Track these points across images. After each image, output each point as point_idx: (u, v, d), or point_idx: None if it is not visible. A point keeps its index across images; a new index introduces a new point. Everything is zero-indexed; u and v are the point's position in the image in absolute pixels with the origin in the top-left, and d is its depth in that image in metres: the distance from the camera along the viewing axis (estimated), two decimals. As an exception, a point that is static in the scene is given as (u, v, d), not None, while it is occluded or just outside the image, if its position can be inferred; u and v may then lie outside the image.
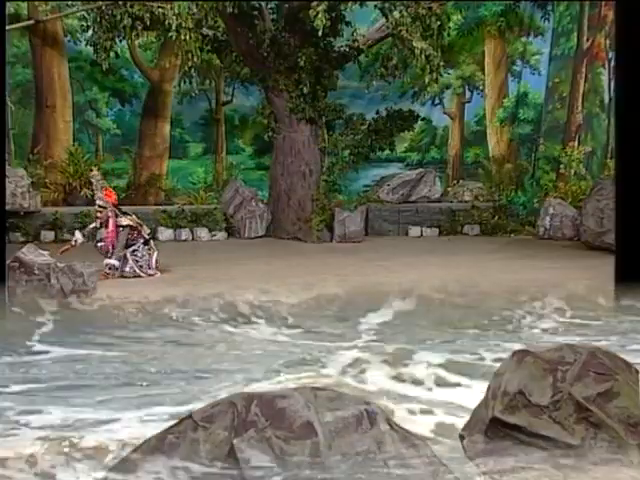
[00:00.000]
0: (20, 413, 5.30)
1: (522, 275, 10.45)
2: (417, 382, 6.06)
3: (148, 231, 10.94)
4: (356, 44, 14.47)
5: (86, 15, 13.26)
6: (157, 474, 3.41)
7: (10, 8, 14.71)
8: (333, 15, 13.12)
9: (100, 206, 10.50)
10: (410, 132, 16.42)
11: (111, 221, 10.40)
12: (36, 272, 8.91)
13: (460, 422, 4.37)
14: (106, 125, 16.97)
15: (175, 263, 11.16)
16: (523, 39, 17.42)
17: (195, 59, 12.49)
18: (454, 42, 17.15)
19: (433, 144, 18.25)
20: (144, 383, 6.06)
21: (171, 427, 3.61)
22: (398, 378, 6.10)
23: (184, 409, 4.85)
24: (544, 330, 7.87)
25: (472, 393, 5.17)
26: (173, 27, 11.94)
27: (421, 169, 16.94)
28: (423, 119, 16.65)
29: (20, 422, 5.15)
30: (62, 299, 8.86)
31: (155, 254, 10.64)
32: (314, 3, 11.93)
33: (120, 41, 13.42)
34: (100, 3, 12.73)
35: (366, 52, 15.26)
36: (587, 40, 16.29)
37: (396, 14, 12.55)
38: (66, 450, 4.41)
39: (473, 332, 7.90)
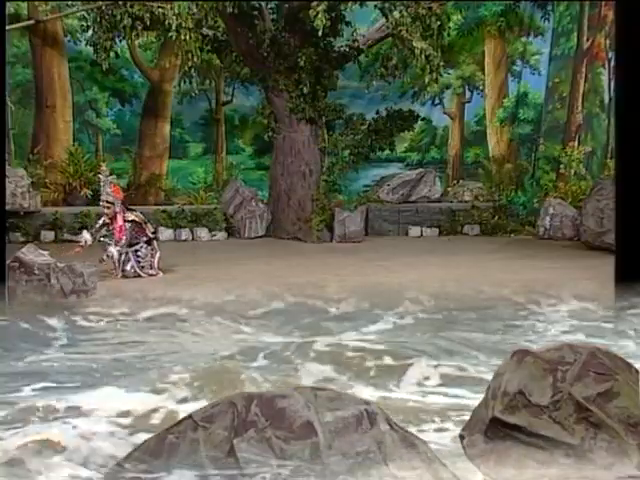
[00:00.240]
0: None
1: (522, 275, 10.45)
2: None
3: (152, 229, 10.94)
4: (356, 44, 14.47)
5: (86, 15, 13.26)
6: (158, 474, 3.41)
7: (10, 8, 14.70)
8: (333, 15, 13.12)
9: (108, 202, 10.48)
10: (410, 132, 16.42)
11: (119, 216, 10.41)
12: (36, 272, 8.91)
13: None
14: (106, 125, 16.97)
15: (175, 263, 11.16)
16: (523, 39, 17.41)
17: (195, 59, 12.48)
18: (454, 42, 17.14)
19: (433, 144, 18.24)
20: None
21: (171, 427, 3.61)
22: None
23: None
24: (544, 330, 7.86)
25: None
26: (173, 27, 11.93)
27: (421, 169, 16.93)
28: (423, 119, 16.64)
29: None
30: (62, 299, 8.87)
31: (158, 254, 10.64)
32: (314, 3, 11.93)
33: (120, 41, 13.42)
34: (100, 3, 12.73)
35: (366, 52, 15.25)
36: (587, 40, 16.28)
37: (396, 14, 12.55)
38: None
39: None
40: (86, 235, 10.39)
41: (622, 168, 9.21)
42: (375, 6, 13.65)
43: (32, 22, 15.62)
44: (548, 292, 9.34)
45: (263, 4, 14.16)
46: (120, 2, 12.28)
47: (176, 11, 11.91)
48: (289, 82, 14.05)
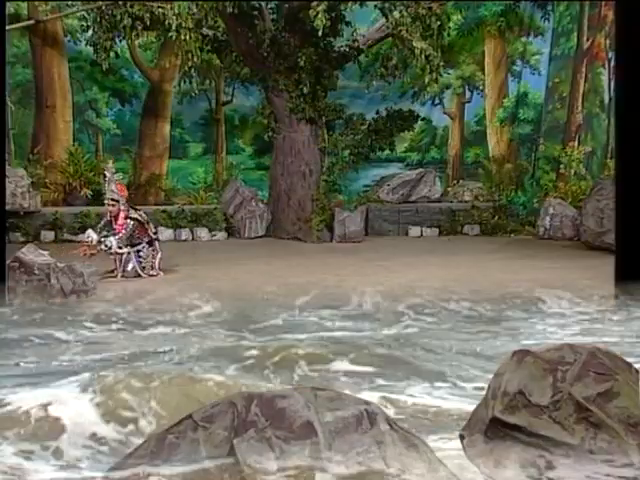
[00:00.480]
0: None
1: (522, 275, 10.45)
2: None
3: (154, 230, 10.94)
4: (356, 44, 14.47)
5: (86, 15, 13.27)
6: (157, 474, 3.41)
7: (10, 8, 14.71)
8: (333, 15, 13.12)
9: (113, 199, 10.48)
10: (410, 132, 16.42)
11: (122, 214, 10.41)
12: (36, 272, 8.91)
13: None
14: (106, 125, 16.97)
15: (175, 263, 11.17)
16: (523, 39, 17.42)
17: (195, 59, 12.49)
18: (454, 42, 17.15)
19: (433, 144, 18.26)
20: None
21: (171, 427, 3.61)
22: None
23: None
24: (544, 330, 7.85)
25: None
26: (173, 27, 11.94)
27: (421, 169, 16.94)
28: (423, 119, 16.65)
29: None
30: (62, 299, 8.87)
31: (159, 255, 10.65)
32: (314, 3, 11.93)
33: (120, 41, 13.43)
34: (100, 3, 12.74)
35: (366, 52, 15.26)
36: (587, 40, 16.29)
37: (396, 14, 12.55)
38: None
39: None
40: (92, 234, 10.37)
41: (622, 168, 9.21)
42: (375, 6, 13.65)
43: (32, 22, 15.63)
44: (548, 292, 9.34)
45: (263, 4, 14.16)
46: (120, 2, 12.29)
47: (176, 11, 11.92)
48: (289, 82, 14.06)
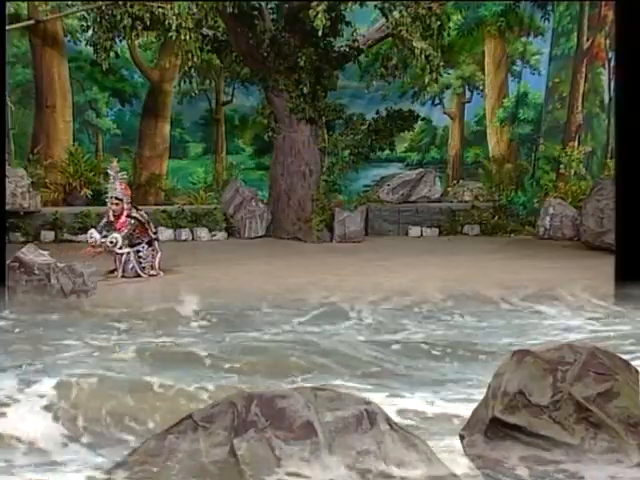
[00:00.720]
0: None
1: (522, 275, 10.46)
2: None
3: (154, 230, 10.94)
4: (356, 44, 14.47)
5: (86, 15, 13.27)
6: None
7: (10, 8, 14.69)
8: (333, 15, 13.12)
9: (117, 198, 10.47)
10: (410, 132, 16.41)
11: (125, 212, 10.42)
12: (36, 272, 8.91)
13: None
14: (106, 125, 16.96)
15: (175, 263, 11.17)
16: (523, 39, 17.40)
17: (195, 59, 12.49)
18: (454, 42, 17.13)
19: (433, 144, 18.24)
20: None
21: (171, 427, 3.61)
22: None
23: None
24: (544, 330, 7.85)
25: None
26: (173, 27, 11.94)
27: (421, 169, 16.93)
28: (423, 119, 16.64)
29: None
30: (62, 299, 8.87)
31: (159, 255, 10.65)
32: (314, 3, 11.94)
33: (120, 41, 13.44)
34: (100, 3, 12.74)
35: (366, 52, 15.25)
36: (587, 40, 16.28)
37: (396, 14, 12.56)
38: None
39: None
40: (95, 234, 10.36)
41: (622, 168, 9.21)
42: (375, 6, 13.66)
43: (32, 22, 15.61)
44: (548, 292, 9.34)
45: (263, 4, 14.16)
46: (120, 2, 12.29)
47: (176, 11, 11.92)
48: (289, 82, 14.06)
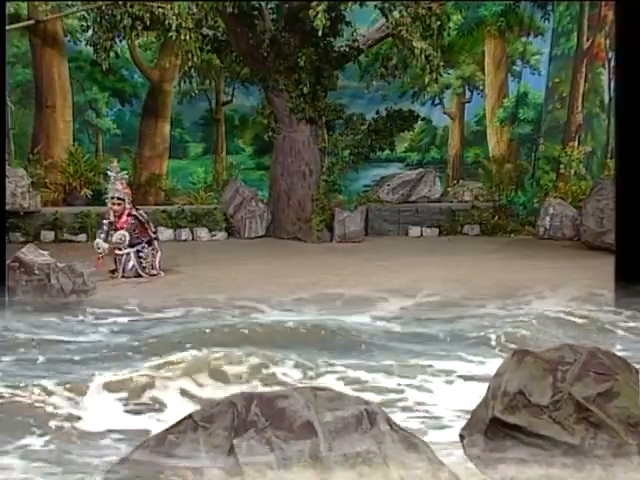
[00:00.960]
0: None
1: (522, 275, 10.46)
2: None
3: (154, 229, 10.95)
4: (356, 44, 14.47)
5: (86, 15, 13.27)
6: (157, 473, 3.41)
7: (10, 8, 14.69)
8: (333, 15, 13.13)
9: (119, 198, 10.47)
10: (410, 132, 16.42)
11: (126, 212, 10.42)
12: (36, 272, 8.91)
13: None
14: (106, 125, 16.96)
15: (175, 263, 11.17)
16: (523, 39, 17.41)
17: (195, 59, 12.50)
18: (454, 42, 17.13)
19: (433, 144, 18.24)
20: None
21: (171, 427, 3.61)
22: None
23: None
24: (543, 330, 7.85)
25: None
26: (173, 27, 11.95)
27: (421, 169, 16.93)
28: (423, 119, 16.65)
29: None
30: (62, 299, 8.88)
31: (159, 254, 10.66)
32: (314, 3, 11.94)
33: (120, 41, 13.45)
34: (100, 3, 12.75)
35: (366, 52, 15.26)
36: (587, 40, 16.28)
37: (396, 14, 12.56)
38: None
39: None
40: (102, 244, 10.36)
41: (622, 168, 9.21)
42: (375, 6, 13.66)
43: (32, 22, 15.62)
44: (548, 292, 9.34)
45: (263, 4, 14.17)
46: (120, 2, 12.29)
47: (176, 11, 11.93)
48: (289, 82, 14.06)
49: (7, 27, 11.98)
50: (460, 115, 18.14)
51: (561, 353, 3.90)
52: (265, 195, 15.49)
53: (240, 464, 3.33)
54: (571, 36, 16.53)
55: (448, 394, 5.77)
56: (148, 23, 12.30)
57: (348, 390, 5.35)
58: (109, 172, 10.71)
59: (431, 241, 14.73)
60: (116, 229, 10.43)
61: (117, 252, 10.39)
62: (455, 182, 17.54)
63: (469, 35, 17.60)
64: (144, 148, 17.10)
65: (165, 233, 14.19)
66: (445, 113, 18.16)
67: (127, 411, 5.43)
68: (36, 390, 5.46)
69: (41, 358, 6.53)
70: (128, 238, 10.28)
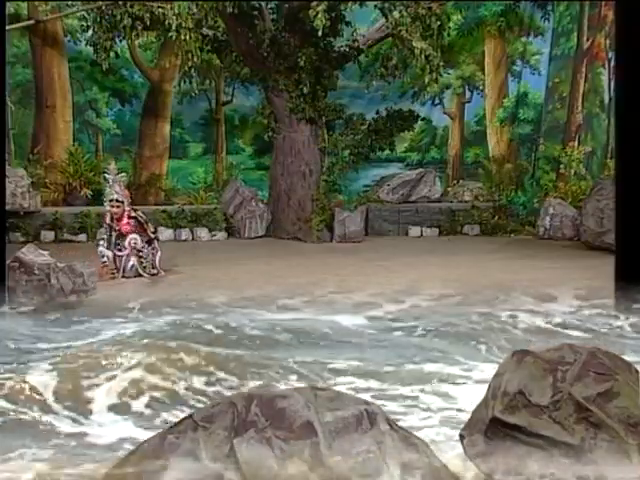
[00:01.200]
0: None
1: (522, 275, 10.46)
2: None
3: (153, 229, 10.95)
4: (356, 44, 14.48)
5: (86, 15, 13.27)
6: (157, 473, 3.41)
7: (10, 8, 14.71)
8: (333, 15, 13.14)
9: (118, 201, 10.46)
10: (410, 132, 16.44)
11: (126, 214, 10.42)
12: (36, 272, 8.90)
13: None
14: (106, 125, 16.98)
15: (175, 263, 11.17)
16: (523, 39, 17.42)
17: (195, 59, 12.50)
18: (454, 42, 17.15)
19: (433, 144, 18.26)
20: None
21: (171, 427, 3.61)
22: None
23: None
24: (544, 330, 7.85)
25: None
26: (173, 27, 11.95)
27: (421, 169, 16.94)
28: (423, 119, 16.66)
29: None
30: (62, 299, 8.87)
31: (159, 254, 10.66)
32: (314, 3, 11.94)
33: (120, 41, 13.45)
34: (100, 3, 12.74)
35: (366, 52, 15.27)
36: (587, 40, 16.30)
37: (396, 14, 12.56)
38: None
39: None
40: (106, 252, 10.36)
41: (622, 168, 9.20)
42: (375, 6, 13.66)
43: (32, 22, 15.63)
44: (548, 292, 9.34)
45: (263, 4, 14.17)
46: (120, 2, 12.29)
47: (176, 11, 11.93)
48: (289, 82, 14.06)
49: (7, 27, 11.98)
50: (460, 115, 18.15)
51: (561, 353, 3.90)
52: (265, 195, 15.49)
53: (240, 464, 3.33)
54: (571, 36, 16.54)
55: (448, 394, 5.77)
56: (148, 23, 12.30)
57: (348, 391, 5.34)
58: (107, 175, 10.70)
59: (431, 241, 14.73)
60: (117, 232, 10.43)
61: (117, 253, 10.39)
62: (455, 182, 17.55)
63: (469, 35, 17.62)
64: (144, 148, 17.11)
65: (165, 233, 14.19)
66: (445, 113, 18.17)
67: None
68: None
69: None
70: (139, 240, 10.32)
